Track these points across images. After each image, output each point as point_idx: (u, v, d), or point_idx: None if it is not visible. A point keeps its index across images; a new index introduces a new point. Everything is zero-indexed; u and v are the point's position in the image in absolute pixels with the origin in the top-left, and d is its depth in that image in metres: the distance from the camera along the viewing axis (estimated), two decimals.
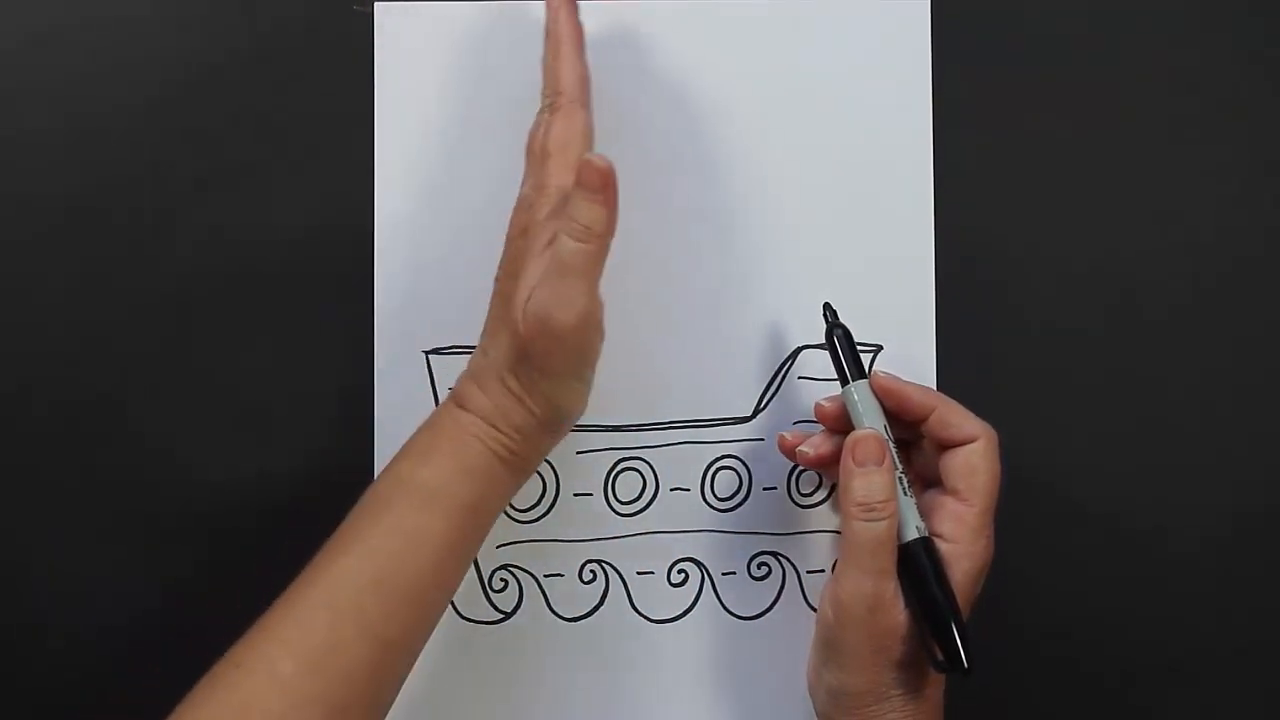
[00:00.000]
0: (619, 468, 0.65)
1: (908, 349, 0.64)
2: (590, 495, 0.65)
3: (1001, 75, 0.65)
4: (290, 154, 0.64)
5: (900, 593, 0.57)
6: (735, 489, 0.65)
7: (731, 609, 0.65)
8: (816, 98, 0.65)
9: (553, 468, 0.65)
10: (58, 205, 0.65)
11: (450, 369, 0.65)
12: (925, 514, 0.58)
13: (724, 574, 0.65)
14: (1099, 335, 0.65)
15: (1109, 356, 0.65)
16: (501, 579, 0.65)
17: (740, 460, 0.65)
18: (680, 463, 0.65)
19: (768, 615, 0.65)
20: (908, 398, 0.59)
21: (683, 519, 0.65)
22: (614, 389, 0.64)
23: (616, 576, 0.65)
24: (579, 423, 0.64)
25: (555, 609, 0.65)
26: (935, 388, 0.64)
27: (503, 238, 0.65)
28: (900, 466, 0.58)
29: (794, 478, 0.65)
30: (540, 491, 0.65)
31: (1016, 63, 0.65)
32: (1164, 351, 0.65)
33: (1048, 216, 0.65)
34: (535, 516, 0.64)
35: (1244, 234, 0.65)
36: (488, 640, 0.64)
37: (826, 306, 0.61)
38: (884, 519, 0.56)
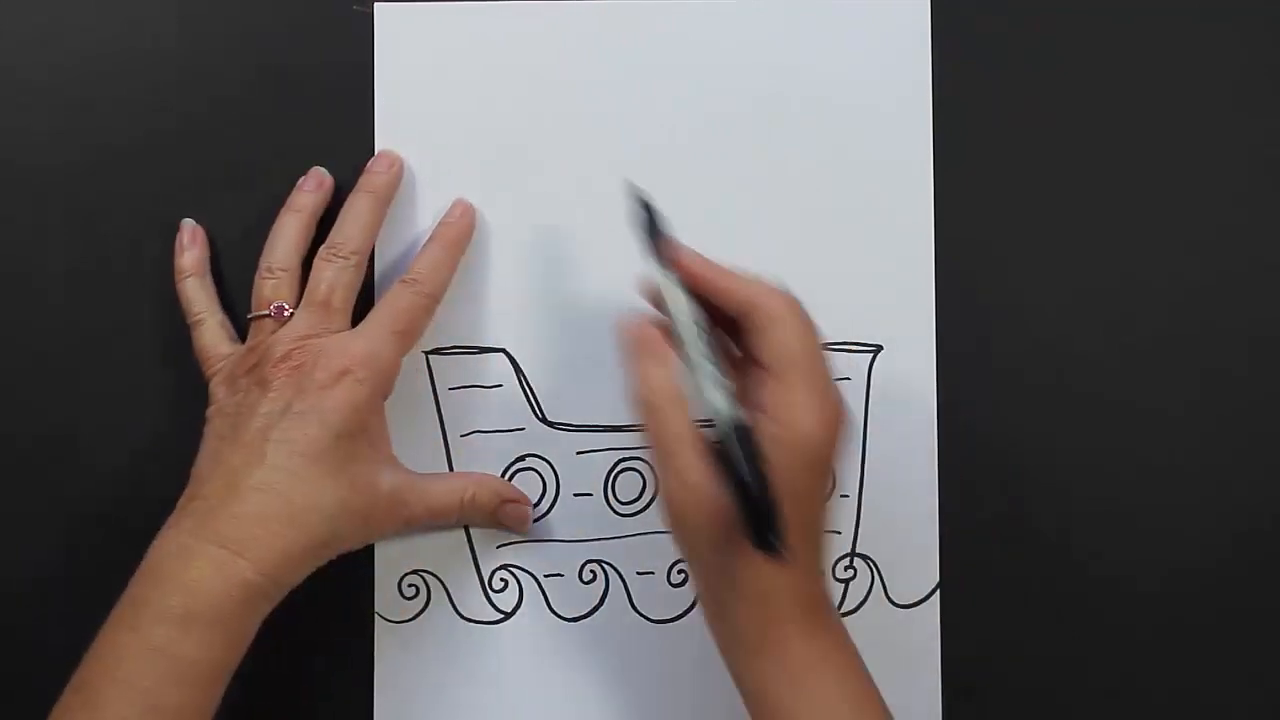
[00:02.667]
0: (619, 468, 0.65)
1: (908, 349, 0.64)
2: (590, 495, 0.65)
3: (1001, 75, 0.65)
4: (290, 154, 0.64)
5: (718, 480, 0.53)
6: None
7: None
8: (816, 98, 0.65)
9: (553, 468, 0.65)
10: (57, 205, 0.65)
11: (450, 369, 0.65)
12: (752, 394, 0.55)
13: None
14: (1099, 335, 0.65)
15: (1109, 356, 0.65)
16: (501, 579, 0.65)
17: None
18: None
19: None
20: (711, 282, 0.56)
21: None
22: (614, 389, 0.64)
23: (616, 576, 0.65)
24: (579, 422, 0.64)
25: (555, 609, 0.65)
26: (935, 388, 0.64)
27: (501, 237, 0.65)
28: (710, 352, 0.54)
29: None
30: (540, 491, 0.65)
31: (1016, 63, 0.65)
32: (1165, 350, 0.65)
33: (1048, 216, 0.65)
34: (535, 516, 0.64)
35: (1247, 235, 0.65)
36: (488, 640, 0.64)
37: (629, 184, 0.58)
38: (669, 410, 0.54)
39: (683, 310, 0.55)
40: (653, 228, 0.57)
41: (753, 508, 0.51)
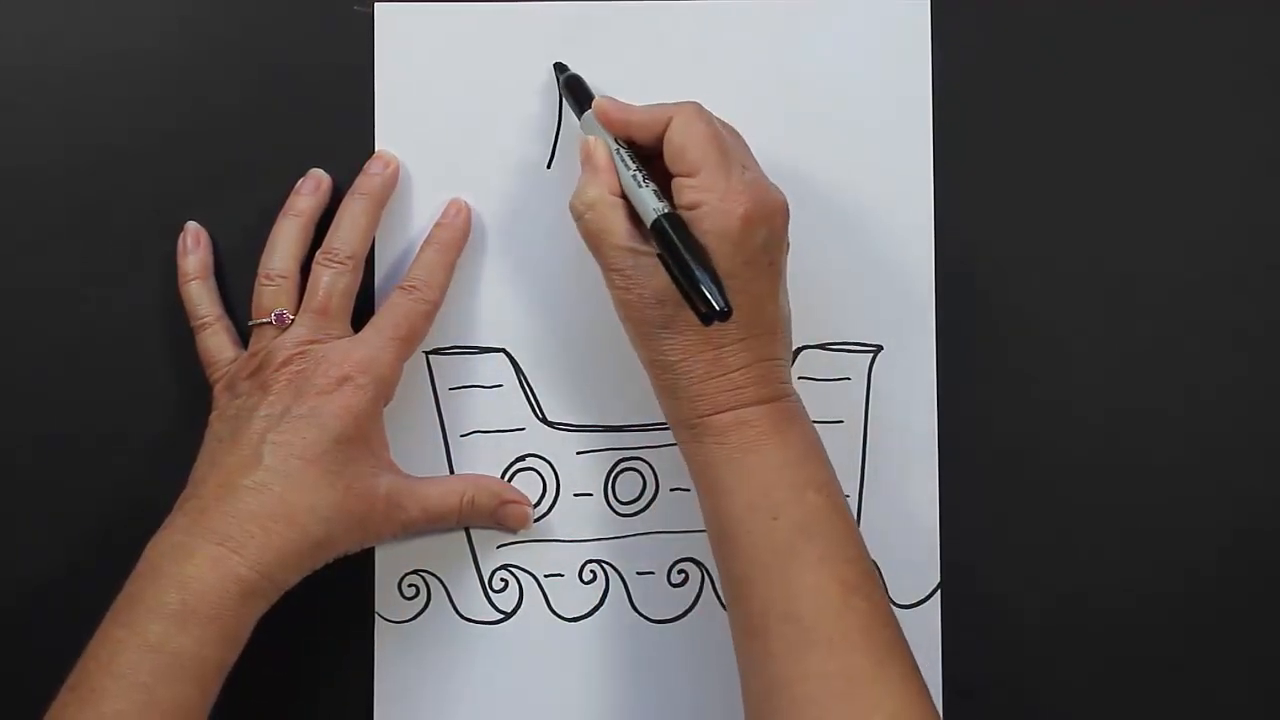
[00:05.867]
0: (619, 468, 0.65)
1: (908, 349, 0.64)
2: (590, 495, 0.65)
3: (1001, 75, 0.65)
4: (290, 154, 0.64)
5: (657, 267, 0.56)
6: None
7: None
8: (816, 98, 0.65)
9: (553, 468, 0.65)
10: (58, 205, 0.65)
11: (450, 369, 0.65)
12: (676, 200, 0.57)
13: None
14: (1099, 334, 0.65)
15: (1109, 355, 0.65)
16: (501, 579, 0.65)
17: None
18: (680, 463, 0.64)
19: None
20: (627, 119, 0.60)
21: (683, 519, 0.64)
22: (614, 389, 0.64)
23: (616, 576, 0.65)
24: (579, 422, 0.64)
25: (555, 609, 0.65)
26: (935, 388, 0.64)
27: (501, 237, 0.65)
28: (634, 165, 0.58)
29: None
30: (540, 491, 0.65)
31: (1016, 63, 0.65)
32: (1165, 350, 0.65)
33: (1047, 216, 0.65)
34: (535, 516, 0.64)
35: (1247, 235, 0.65)
36: (488, 640, 0.64)
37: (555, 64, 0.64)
38: (603, 210, 0.58)
39: (609, 144, 0.59)
40: (580, 94, 0.62)
41: (689, 277, 0.54)
